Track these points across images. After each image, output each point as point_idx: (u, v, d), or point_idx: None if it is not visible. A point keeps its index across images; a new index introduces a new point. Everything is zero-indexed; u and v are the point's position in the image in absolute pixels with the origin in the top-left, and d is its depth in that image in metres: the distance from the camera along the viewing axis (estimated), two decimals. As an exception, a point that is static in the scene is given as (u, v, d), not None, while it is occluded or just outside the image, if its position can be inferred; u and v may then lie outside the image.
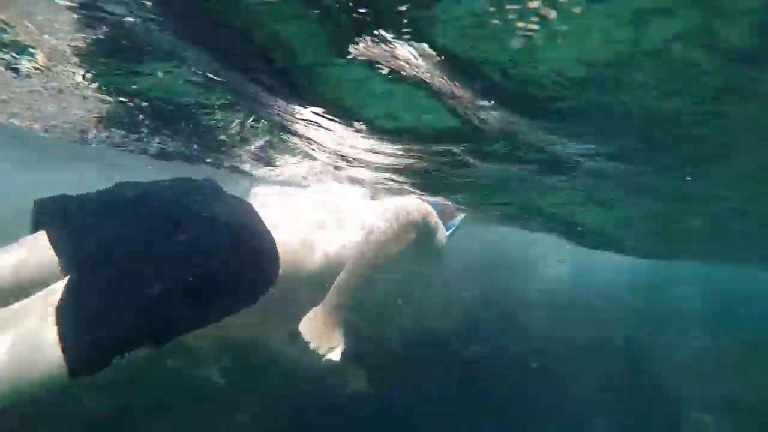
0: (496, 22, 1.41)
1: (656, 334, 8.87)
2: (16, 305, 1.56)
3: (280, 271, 1.97)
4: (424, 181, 4.01)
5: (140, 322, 1.55)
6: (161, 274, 1.61)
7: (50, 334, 1.47)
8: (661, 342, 8.51)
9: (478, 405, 5.69)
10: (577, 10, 1.32)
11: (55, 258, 1.78)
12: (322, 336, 2.20)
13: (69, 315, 1.50)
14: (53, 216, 1.87)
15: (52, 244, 1.79)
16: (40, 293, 1.59)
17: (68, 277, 1.61)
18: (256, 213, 2.02)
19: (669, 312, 10.76)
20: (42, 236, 1.84)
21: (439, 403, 5.50)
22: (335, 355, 2.20)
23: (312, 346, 2.17)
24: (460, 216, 4.02)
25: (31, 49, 2.41)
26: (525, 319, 7.83)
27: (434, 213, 2.69)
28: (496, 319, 7.45)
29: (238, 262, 1.78)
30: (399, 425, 5.11)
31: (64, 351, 1.46)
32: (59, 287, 1.57)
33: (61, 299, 1.52)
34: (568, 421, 6.37)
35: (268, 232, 1.97)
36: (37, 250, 1.80)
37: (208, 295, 1.70)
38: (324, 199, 2.58)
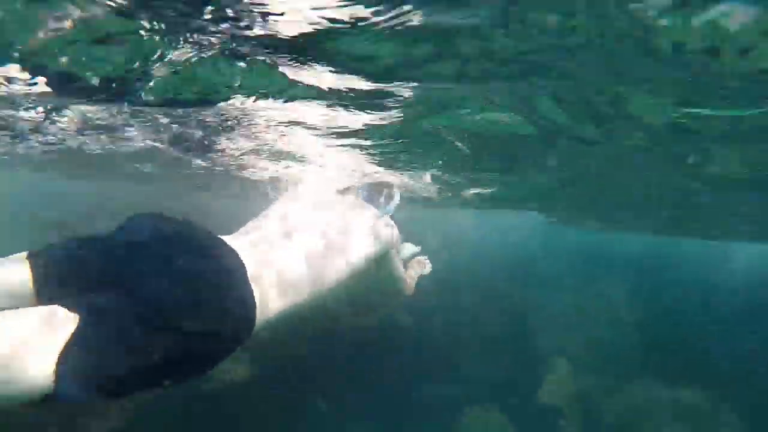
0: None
1: (534, 294, 10.07)
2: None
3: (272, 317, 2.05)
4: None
5: (129, 379, 1.63)
6: (162, 338, 1.68)
7: (47, 370, 1.50)
8: (537, 301, 9.70)
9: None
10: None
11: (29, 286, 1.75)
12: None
13: (72, 356, 1.52)
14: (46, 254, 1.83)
15: (34, 273, 1.75)
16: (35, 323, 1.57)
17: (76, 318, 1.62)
18: (240, 265, 2.00)
19: (545, 274, 12.08)
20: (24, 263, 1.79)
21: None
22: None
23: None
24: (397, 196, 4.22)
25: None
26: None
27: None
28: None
29: (220, 326, 1.84)
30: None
31: (55, 383, 1.50)
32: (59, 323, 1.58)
33: (67, 340, 1.54)
34: (453, 369, 7.36)
35: (249, 287, 1.96)
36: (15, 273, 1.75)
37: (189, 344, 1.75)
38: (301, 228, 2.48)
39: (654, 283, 12.98)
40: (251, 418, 5.73)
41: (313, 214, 2.66)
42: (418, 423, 6.82)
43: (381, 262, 2.83)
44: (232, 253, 2.01)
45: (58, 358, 1.50)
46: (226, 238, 2.12)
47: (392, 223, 2.97)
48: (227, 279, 1.91)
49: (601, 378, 8.07)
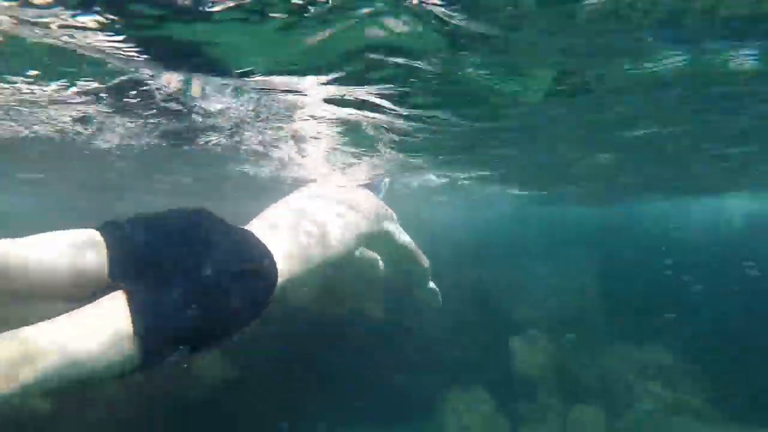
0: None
1: (504, 270, 10.20)
2: (89, 305, 1.84)
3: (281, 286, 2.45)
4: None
5: (196, 330, 1.97)
6: (212, 298, 2.05)
7: (127, 330, 1.77)
8: (507, 277, 9.83)
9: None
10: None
11: (102, 266, 1.99)
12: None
13: (144, 317, 1.81)
14: (114, 232, 2.10)
15: (110, 251, 2.01)
16: (107, 296, 1.88)
17: (135, 285, 1.92)
18: (258, 240, 2.46)
19: (514, 251, 12.30)
20: (92, 236, 2.05)
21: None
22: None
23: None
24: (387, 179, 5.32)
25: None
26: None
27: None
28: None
29: (256, 285, 2.28)
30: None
31: (139, 346, 1.78)
32: (121, 294, 1.88)
33: (135, 302, 1.84)
34: (426, 342, 7.35)
35: (271, 257, 2.41)
36: (86, 253, 1.98)
37: (235, 314, 2.16)
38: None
39: (616, 250, 13.44)
40: (228, 416, 5.58)
41: (317, 200, 3.21)
42: (403, 413, 6.81)
43: (386, 238, 3.56)
44: (248, 232, 2.50)
45: (144, 331, 1.78)
46: (250, 224, 2.73)
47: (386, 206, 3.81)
48: (251, 249, 2.36)
49: (574, 345, 8.28)
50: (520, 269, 10.68)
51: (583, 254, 12.07)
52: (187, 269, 2.04)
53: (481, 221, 16.09)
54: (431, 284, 4.29)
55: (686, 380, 7.94)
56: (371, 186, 4.45)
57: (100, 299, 1.87)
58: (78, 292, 1.91)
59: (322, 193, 3.40)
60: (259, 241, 2.42)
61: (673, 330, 8.74)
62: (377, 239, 3.50)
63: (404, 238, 3.75)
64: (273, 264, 2.36)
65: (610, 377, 7.93)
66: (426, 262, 3.99)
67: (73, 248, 1.94)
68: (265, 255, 2.37)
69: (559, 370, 7.74)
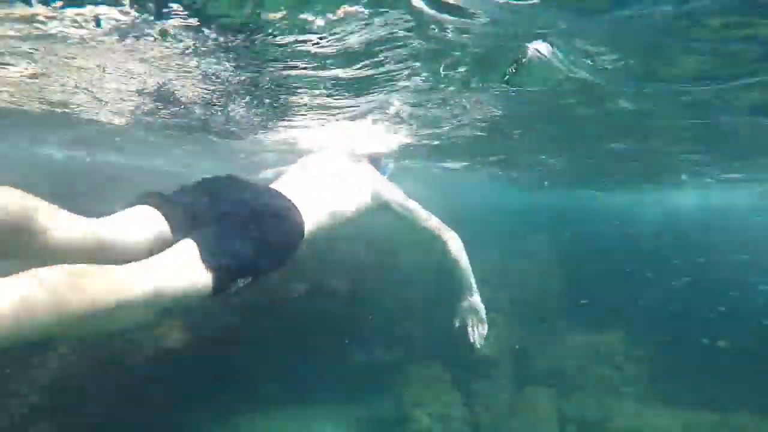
0: None
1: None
2: (166, 251, 2.26)
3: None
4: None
5: (249, 261, 2.44)
6: (255, 234, 2.52)
7: (200, 266, 2.22)
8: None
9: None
10: None
11: (166, 229, 2.51)
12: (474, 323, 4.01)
13: (212, 253, 2.27)
14: (158, 197, 2.62)
15: (164, 214, 2.54)
16: (177, 245, 2.31)
17: (198, 231, 2.40)
18: (282, 194, 3.05)
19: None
20: (148, 209, 2.54)
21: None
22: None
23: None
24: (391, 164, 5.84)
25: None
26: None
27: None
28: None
29: (289, 228, 2.83)
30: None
31: (212, 274, 2.23)
32: (190, 241, 2.33)
33: (201, 245, 2.29)
34: (387, 319, 7.37)
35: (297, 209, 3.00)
36: (149, 218, 2.50)
37: (276, 250, 2.68)
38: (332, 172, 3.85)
39: (571, 238, 13.83)
40: (180, 385, 5.46)
41: (331, 167, 3.90)
42: (360, 389, 6.84)
43: (385, 204, 4.10)
44: (273, 189, 3.09)
45: (211, 265, 2.25)
46: (274, 184, 3.36)
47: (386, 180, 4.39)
48: (279, 200, 2.93)
49: (529, 328, 8.52)
50: (482, 251, 10.82)
51: (545, 240, 12.34)
52: (230, 216, 2.57)
53: (450, 205, 16.21)
54: (473, 289, 4.25)
55: (630, 365, 8.34)
56: (376, 163, 4.95)
57: (173, 247, 2.30)
58: (148, 255, 2.27)
59: (335, 162, 4.10)
60: (284, 195, 2.99)
61: (623, 316, 9.13)
62: (378, 208, 4.09)
63: (408, 204, 4.24)
64: (299, 212, 2.94)
65: (562, 360, 8.23)
66: (446, 231, 4.25)
67: (144, 221, 2.44)
68: (291, 205, 2.93)
69: (514, 351, 7.96)
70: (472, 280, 4.10)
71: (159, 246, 2.37)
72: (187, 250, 2.27)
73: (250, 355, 6.20)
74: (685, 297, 10.83)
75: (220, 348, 5.98)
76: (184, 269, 2.16)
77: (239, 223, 2.54)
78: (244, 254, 2.42)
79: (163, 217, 2.50)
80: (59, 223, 2.07)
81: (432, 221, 4.28)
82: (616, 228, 16.83)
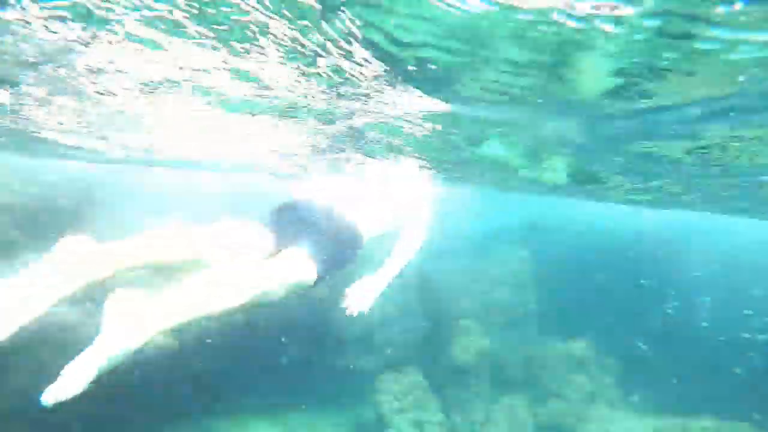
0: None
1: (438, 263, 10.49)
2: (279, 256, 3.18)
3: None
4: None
5: (335, 263, 3.43)
6: (337, 245, 3.55)
7: (308, 264, 3.17)
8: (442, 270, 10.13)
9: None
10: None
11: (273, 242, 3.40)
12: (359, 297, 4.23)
13: (314, 258, 3.22)
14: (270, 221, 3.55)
15: (273, 230, 3.45)
16: (282, 254, 3.20)
17: (300, 244, 3.31)
18: (349, 213, 3.91)
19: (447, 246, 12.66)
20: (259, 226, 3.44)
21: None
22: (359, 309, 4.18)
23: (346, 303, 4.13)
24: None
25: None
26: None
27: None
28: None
29: (354, 240, 3.80)
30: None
31: (316, 269, 3.19)
32: (297, 248, 3.26)
33: (306, 252, 3.23)
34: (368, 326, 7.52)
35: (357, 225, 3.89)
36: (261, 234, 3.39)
37: (349, 256, 3.69)
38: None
39: (546, 248, 14.13)
40: (157, 393, 5.49)
41: (381, 193, 4.74)
42: (338, 395, 6.93)
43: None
44: (347, 213, 3.92)
45: (316, 264, 3.21)
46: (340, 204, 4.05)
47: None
48: (350, 223, 3.85)
49: (504, 336, 8.72)
50: (457, 261, 11.05)
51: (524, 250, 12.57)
52: (319, 232, 3.54)
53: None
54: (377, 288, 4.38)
55: (603, 372, 8.60)
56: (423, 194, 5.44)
57: (284, 253, 3.21)
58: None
59: (385, 189, 4.99)
60: (350, 215, 3.89)
61: (596, 325, 9.40)
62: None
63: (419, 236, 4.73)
64: (360, 229, 3.86)
65: (537, 368, 8.43)
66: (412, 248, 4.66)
67: (259, 234, 3.36)
68: (355, 224, 3.85)
69: (490, 359, 8.14)
70: (384, 286, 4.37)
71: (269, 253, 3.34)
72: (298, 255, 3.25)
73: (228, 362, 6.26)
74: (659, 309, 11.15)
75: (197, 356, 6.02)
76: (299, 267, 3.18)
77: (326, 237, 3.60)
78: (332, 259, 3.44)
79: (270, 233, 3.47)
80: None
81: (408, 256, 4.61)
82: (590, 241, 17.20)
